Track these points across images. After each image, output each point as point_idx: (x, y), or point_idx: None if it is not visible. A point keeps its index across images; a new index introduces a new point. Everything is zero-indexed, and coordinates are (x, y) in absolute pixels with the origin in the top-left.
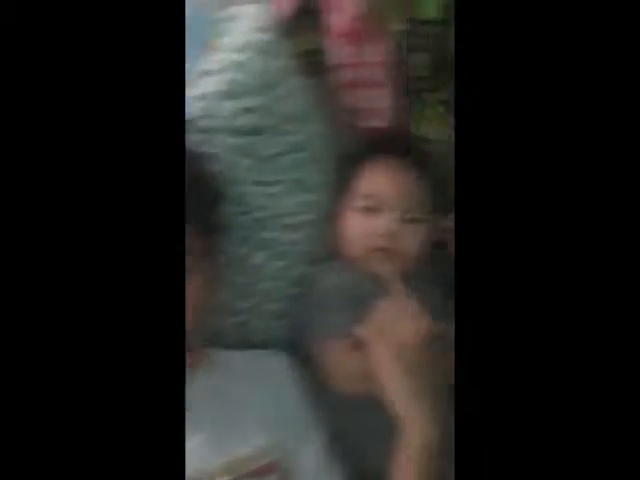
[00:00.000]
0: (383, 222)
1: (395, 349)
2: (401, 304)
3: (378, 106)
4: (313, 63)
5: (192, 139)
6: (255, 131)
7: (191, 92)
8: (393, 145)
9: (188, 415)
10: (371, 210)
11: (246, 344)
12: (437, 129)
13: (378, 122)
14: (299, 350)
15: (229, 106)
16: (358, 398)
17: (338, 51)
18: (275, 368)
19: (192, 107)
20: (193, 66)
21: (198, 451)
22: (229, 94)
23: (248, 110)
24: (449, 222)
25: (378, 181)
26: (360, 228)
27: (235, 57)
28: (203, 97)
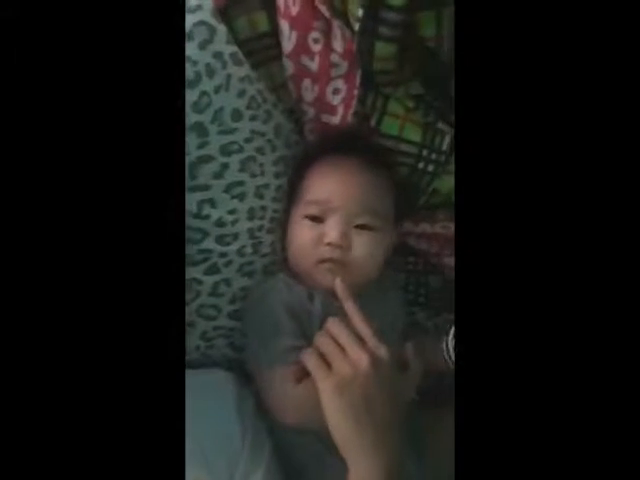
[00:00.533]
0: (330, 230)
1: (338, 381)
2: (350, 327)
3: (333, 100)
4: (257, 50)
5: None
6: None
7: None
8: (350, 144)
9: None
10: (318, 217)
11: None
12: (404, 126)
13: (333, 118)
14: (240, 372)
15: None
16: (304, 431)
17: (287, 37)
18: (213, 389)
19: None
20: None
21: None
22: None
23: None
24: (414, 228)
25: (327, 184)
26: (306, 237)
27: None
28: None
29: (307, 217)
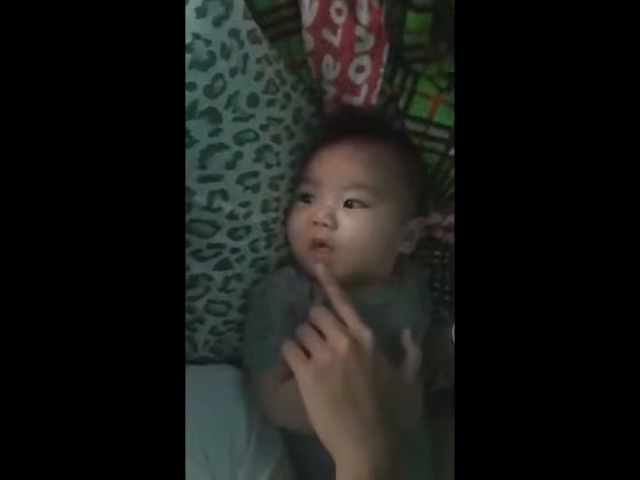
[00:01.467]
0: (317, 208)
1: (316, 368)
2: (332, 314)
3: (356, 79)
4: (275, 23)
5: None
6: (196, 114)
7: None
8: (371, 126)
9: None
10: (310, 196)
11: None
12: (435, 108)
13: (355, 99)
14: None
15: None
16: (297, 433)
17: (308, 7)
18: (221, 386)
19: None
20: None
21: None
22: None
23: (187, 86)
24: (442, 220)
25: (323, 162)
26: (299, 219)
27: None
28: None
29: (300, 197)
